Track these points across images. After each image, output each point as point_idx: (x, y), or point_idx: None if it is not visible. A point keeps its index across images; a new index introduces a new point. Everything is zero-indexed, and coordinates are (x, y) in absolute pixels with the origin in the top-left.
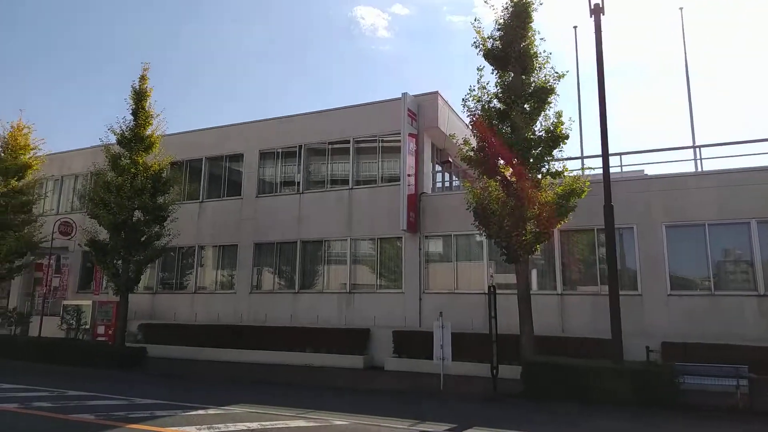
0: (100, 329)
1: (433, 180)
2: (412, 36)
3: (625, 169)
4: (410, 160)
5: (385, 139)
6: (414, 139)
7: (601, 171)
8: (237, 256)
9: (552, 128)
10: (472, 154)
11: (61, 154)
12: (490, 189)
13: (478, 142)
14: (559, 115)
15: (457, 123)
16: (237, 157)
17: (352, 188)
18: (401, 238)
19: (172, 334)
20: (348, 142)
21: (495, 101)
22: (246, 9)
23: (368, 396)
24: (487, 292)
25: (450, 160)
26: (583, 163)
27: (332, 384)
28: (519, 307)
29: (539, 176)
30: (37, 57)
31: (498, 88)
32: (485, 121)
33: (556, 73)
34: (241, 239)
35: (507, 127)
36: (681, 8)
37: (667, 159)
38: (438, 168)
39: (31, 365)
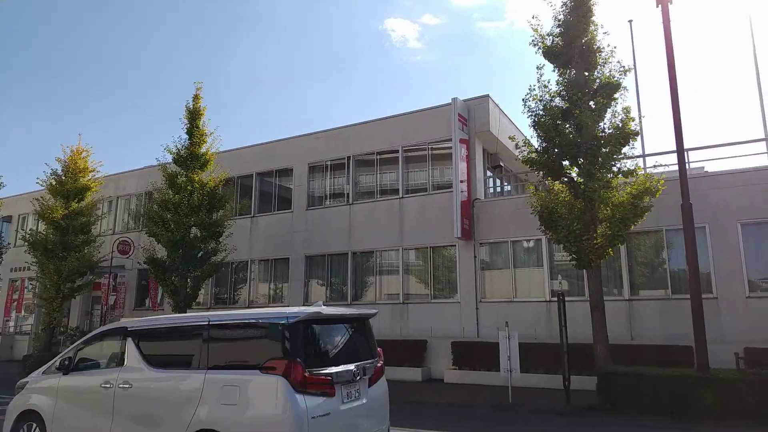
0: None
1: (485, 186)
2: (443, 45)
3: (688, 166)
4: (462, 166)
5: (434, 146)
6: (465, 145)
7: (666, 169)
8: (289, 269)
9: (621, 125)
10: (534, 155)
11: (115, 175)
12: (556, 191)
13: (540, 143)
14: (627, 111)
15: (508, 126)
16: (286, 171)
17: (402, 197)
18: (455, 246)
19: None
20: (397, 151)
21: (557, 100)
22: (278, 31)
23: (434, 409)
24: (549, 299)
25: (501, 164)
26: (645, 162)
27: (391, 397)
28: (592, 316)
29: (609, 176)
30: (92, 83)
31: (560, 86)
32: (548, 120)
33: (622, 67)
34: (293, 252)
35: (571, 126)
36: None
37: (737, 154)
38: (489, 173)
39: None
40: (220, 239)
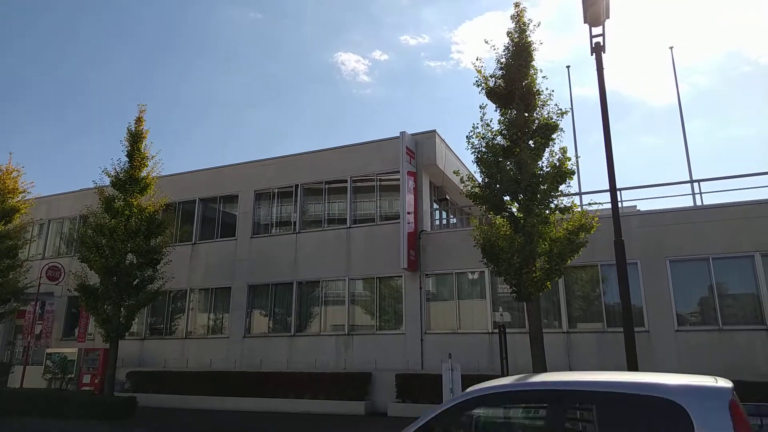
0: (86, 378)
1: (431, 218)
2: (392, 80)
3: (619, 205)
4: (409, 198)
5: (382, 177)
6: (413, 177)
7: (601, 207)
8: (230, 298)
9: (558, 164)
10: (477, 190)
11: (48, 197)
12: (497, 225)
13: (483, 179)
14: (564, 151)
15: (454, 161)
16: (231, 198)
17: (349, 227)
18: (401, 277)
19: (163, 382)
20: (345, 181)
21: (499, 138)
22: (231, 58)
23: None
24: (491, 331)
25: (447, 197)
26: (581, 200)
27: None
28: (531, 348)
29: (547, 212)
30: (23, 99)
31: (501, 125)
32: (490, 157)
33: (560, 110)
34: (235, 281)
35: (512, 164)
36: (671, 47)
37: (665, 194)
38: (435, 206)
39: (14, 419)
40: (158, 266)
